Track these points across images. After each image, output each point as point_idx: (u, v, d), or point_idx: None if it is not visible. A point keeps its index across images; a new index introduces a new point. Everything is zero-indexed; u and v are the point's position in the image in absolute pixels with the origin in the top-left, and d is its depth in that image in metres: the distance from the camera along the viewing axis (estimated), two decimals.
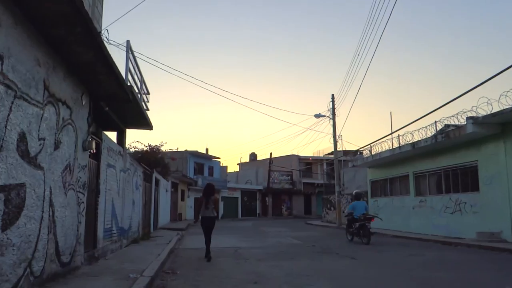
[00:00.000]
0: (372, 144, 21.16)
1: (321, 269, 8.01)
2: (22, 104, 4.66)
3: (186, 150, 37.64)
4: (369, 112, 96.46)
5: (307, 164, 51.34)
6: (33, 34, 4.94)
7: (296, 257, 9.99)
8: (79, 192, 7.00)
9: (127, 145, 22.12)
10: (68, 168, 6.35)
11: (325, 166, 50.04)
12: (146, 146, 22.33)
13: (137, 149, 22.80)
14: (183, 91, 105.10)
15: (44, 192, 5.36)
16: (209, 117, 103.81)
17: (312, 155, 52.65)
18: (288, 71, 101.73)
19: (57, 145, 5.84)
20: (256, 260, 9.36)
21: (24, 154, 4.74)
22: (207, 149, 43.00)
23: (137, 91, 10.10)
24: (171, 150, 25.79)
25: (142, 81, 11.05)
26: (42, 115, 5.26)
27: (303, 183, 49.84)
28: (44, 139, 5.32)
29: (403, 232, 18.16)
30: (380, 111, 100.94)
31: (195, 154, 39.06)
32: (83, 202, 7.22)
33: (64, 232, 6.22)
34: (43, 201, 5.34)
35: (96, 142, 8.52)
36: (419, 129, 16.66)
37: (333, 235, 18.20)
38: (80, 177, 7.05)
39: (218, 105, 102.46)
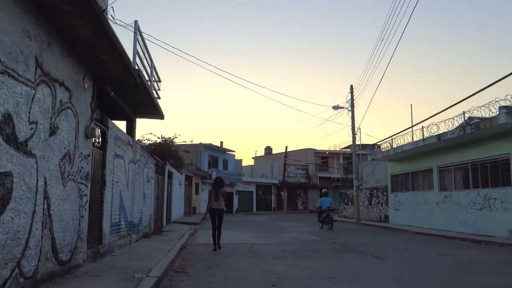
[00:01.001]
0: (393, 137, 20.24)
1: (345, 270, 7.29)
2: (6, 81, 4.03)
3: (201, 143, 37.11)
4: (388, 105, 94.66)
5: (323, 158, 50.42)
6: (21, 0, 4.30)
7: (316, 255, 9.29)
8: (81, 183, 6.40)
9: (139, 137, 21.76)
10: (67, 157, 5.75)
11: (341, 160, 49.06)
12: (159, 138, 21.80)
13: (150, 141, 22.35)
14: (197, 80, 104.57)
15: (37, 183, 4.76)
16: (224, 108, 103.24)
17: (328, 149, 51.72)
18: (306, 60, 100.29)
19: (53, 131, 5.23)
20: (273, 259, 8.70)
21: (10, 138, 4.12)
22: (221, 142, 42.40)
23: (146, 77, 9.48)
24: (185, 143, 25.22)
25: (152, 66, 10.42)
26: (34, 95, 4.63)
27: (319, 177, 49.00)
28: (36, 123, 4.71)
29: (426, 229, 17.28)
30: (399, 103, 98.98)
31: (209, 147, 38.52)
32: (85, 195, 6.63)
33: (63, 227, 5.64)
34: (36, 193, 4.74)
35: (101, 130, 7.93)
36: (445, 120, 15.72)
37: (352, 231, 17.43)
38: (82, 167, 6.46)
39: (233, 95, 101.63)
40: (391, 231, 17.93)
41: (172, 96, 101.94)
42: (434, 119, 18.63)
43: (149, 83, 9.78)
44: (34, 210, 4.70)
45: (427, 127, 16.49)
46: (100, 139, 7.95)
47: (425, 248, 10.98)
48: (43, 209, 4.96)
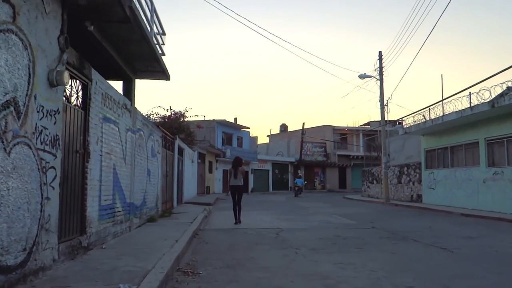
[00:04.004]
0: (431, 106, 17.86)
1: (419, 271, 5.23)
2: None
3: (214, 119, 35.06)
4: (416, 76, 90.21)
5: (342, 135, 48.05)
6: None
7: (365, 246, 7.26)
8: (44, 151, 4.42)
9: (146, 112, 19.70)
10: (11, 108, 3.75)
11: (361, 137, 46.67)
12: (168, 110, 19.75)
13: (158, 115, 20.38)
14: (210, 43, 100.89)
15: None
16: (238, 82, 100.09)
17: (347, 126, 49.34)
18: (330, 25, 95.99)
19: None
20: (310, 251, 6.70)
21: None
22: (235, 119, 40.32)
23: (146, 22, 7.37)
24: (196, 117, 23.11)
25: (153, 10, 8.30)
26: None
27: (338, 155, 46.77)
28: None
29: (470, 210, 15.12)
30: (428, 74, 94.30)
31: (223, 123, 36.45)
32: (53, 168, 4.65)
33: (7, 215, 3.68)
34: None
35: (82, 83, 5.90)
36: (497, 84, 13.33)
37: (387, 213, 15.34)
38: (45, 128, 4.46)
39: (249, 64, 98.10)
40: (430, 212, 15.80)
41: (183, 68, 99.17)
42: (475, 88, 15.95)
43: (148, 29, 7.69)
44: None
45: (478, 92, 14.08)
46: (80, 95, 5.94)
47: (493, 236, 8.86)
48: None
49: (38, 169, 4.29)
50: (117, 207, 7.49)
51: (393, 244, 7.42)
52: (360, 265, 5.51)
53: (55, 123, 4.69)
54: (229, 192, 11.22)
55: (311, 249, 6.91)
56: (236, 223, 10.63)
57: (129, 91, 8.86)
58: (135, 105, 9.10)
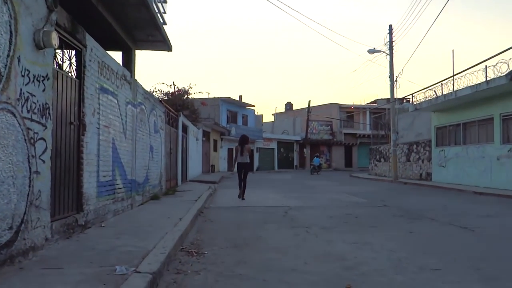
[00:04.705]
0: (444, 81, 17.23)
1: (442, 252, 4.82)
2: None
3: (218, 97, 34.47)
4: (426, 52, 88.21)
5: (349, 113, 47.37)
6: None
7: (378, 224, 6.87)
8: (31, 120, 3.99)
9: (148, 89, 19.18)
10: None
11: (368, 115, 46.01)
12: (171, 86, 19.24)
13: (161, 92, 19.89)
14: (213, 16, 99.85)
15: None
16: (243, 59, 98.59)
17: (353, 104, 48.58)
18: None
19: None
20: (322, 230, 6.31)
21: None
22: (240, 96, 39.62)
23: None
24: (201, 94, 22.56)
25: None
26: None
27: (344, 133, 46.20)
28: None
29: (483, 188, 14.66)
30: (438, 50, 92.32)
31: (227, 101, 35.85)
32: (42, 139, 4.23)
33: None
34: None
35: (76, 50, 5.43)
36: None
37: (396, 191, 14.94)
38: (33, 95, 4.01)
39: (253, 39, 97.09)
40: (441, 190, 15.37)
41: (187, 44, 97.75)
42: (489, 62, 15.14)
43: None
44: None
45: (495, 65, 13.44)
46: (74, 62, 5.48)
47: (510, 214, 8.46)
48: None
49: (25, 140, 3.87)
50: (117, 184, 7.11)
51: (408, 223, 7.02)
52: (377, 245, 5.11)
53: (44, 90, 4.24)
54: (235, 169, 11.35)
55: (322, 228, 6.52)
56: (240, 197, 10.94)
57: (129, 62, 8.38)
58: (136, 78, 8.63)
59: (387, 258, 4.46)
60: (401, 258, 4.44)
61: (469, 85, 15.06)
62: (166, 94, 19.88)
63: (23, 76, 3.83)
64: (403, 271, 3.94)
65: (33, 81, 4.02)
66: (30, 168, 3.96)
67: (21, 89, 3.79)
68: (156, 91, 19.83)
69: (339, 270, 3.99)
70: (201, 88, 33.37)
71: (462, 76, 15.86)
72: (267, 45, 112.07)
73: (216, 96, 34.10)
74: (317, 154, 35.43)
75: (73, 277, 3.32)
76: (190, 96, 21.67)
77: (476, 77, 14.74)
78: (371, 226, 6.64)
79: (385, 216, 7.91)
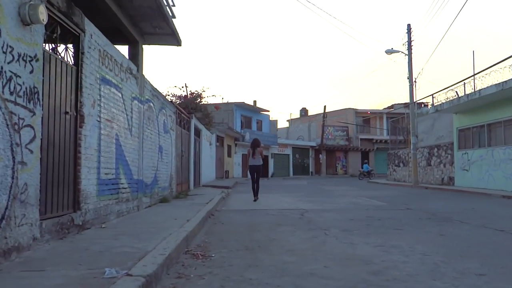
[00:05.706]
0: (466, 80, 16.47)
1: (483, 255, 4.20)
2: None
3: (232, 102, 34.08)
4: (445, 53, 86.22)
5: (365, 118, 46.47)
6: None
7: (404, 227, 6.25)
8: (14, 103, 3.55)
9: (161, 91, 18.85)
10: None
11: (385, 120, 45.04)
12: (183, 88, 18.89)
13: (174, 95, 19.56)
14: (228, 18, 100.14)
15: None
16: (258, 63, 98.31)
17: (370, 109, 47.68)
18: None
19: None
20: (342, 232, 5.73)
21: None
22: (255, 101, 39.17)
23: None
24: (214, 98, 22.20)
25: None
26: None
27: (360, 139, 45.28)
28: None
29: (510, 192, 13.82)
30: (458, 51, 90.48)
31: (242, 106, 35.44)
32: (30, 126, 3.79)
33: None
34: None
35: (73, 33, 5.01)
36: None
37: (418, 195, 14.19)
38: (17, 75, 3.59)
39: (269, 42, 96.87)
40: (466, 194, 14.57)
41: (201, 46, 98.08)
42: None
43: None
44: None
45: None
46: (71, 46, 5.06)
47: None
48: None
49: (7, 125, 3.43)
50: (122, 183, 6.66)
51: (438, 226, 6.38)
52: (407, 248, 4.51)
53: (31, 71, 3.81)
54: (248, 171, 11.47)
55: (343, 230, 5.94)
56: (255, 200, 10.93)
57: (135, 56, 7.97)
58: (144, 74, 8.22)
59: (420, 262, 3.87)
60: (437, 262, 3.84)
61: (494, 84, 14.30)
62: (179, 97, 19.54)
63: (5, 53, 3.41)
64: (442, 276, 3.35)
65: (18, 59, 3.60)
66: (13, 157, 3.52)
67: (2, 67, 3.36)
68: (168, 95, 19.51)
69: (366, 275, 3.42)
70: (214, 92, 32.90)
71: (486, 74, 15.10)
72: (282, 50, 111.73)
73: (230, 101, 33.75)
74: (366, 161, 36.89)
75: (53, 280, 2.83)
76: (203, 101, 21.33)
77: (502, 75, 13.99)
78: (396, 229, 6.02)
79: (410, 219, 7.28)
